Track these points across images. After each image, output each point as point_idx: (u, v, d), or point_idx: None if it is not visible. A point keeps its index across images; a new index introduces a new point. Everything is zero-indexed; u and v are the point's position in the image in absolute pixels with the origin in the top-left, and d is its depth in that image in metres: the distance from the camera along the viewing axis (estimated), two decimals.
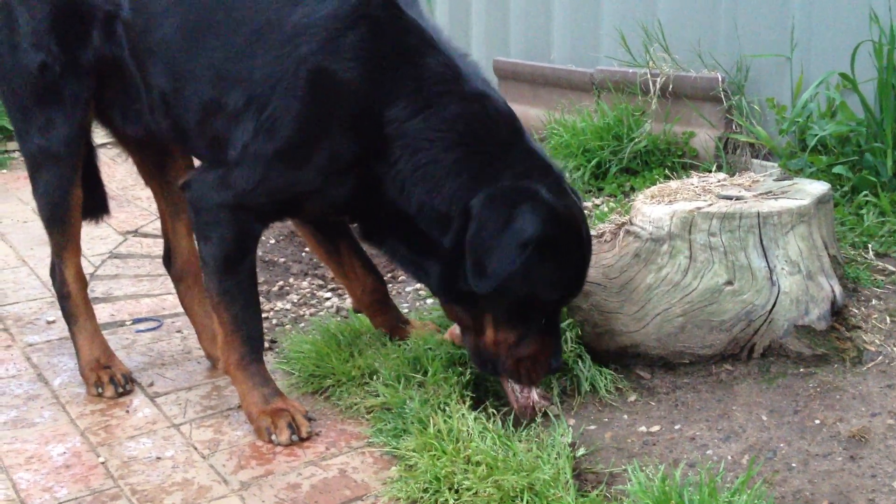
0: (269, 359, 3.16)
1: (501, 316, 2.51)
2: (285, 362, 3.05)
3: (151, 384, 3.04)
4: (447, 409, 2.60)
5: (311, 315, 3.55)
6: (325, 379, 2.93)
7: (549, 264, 2.41)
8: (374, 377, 2.84)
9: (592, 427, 2.68)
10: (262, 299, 3.74)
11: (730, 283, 2.67)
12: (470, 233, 2.40)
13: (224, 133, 2.55)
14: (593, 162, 4.53)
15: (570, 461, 2.40)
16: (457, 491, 2.29)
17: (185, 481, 2.50)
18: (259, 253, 4.06)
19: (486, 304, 2.49)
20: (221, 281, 2.68)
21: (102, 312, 3.59)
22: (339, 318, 3.33)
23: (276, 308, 3.65)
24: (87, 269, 4.04)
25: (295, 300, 3.71)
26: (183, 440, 2.70)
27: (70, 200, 2.85)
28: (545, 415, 2.64)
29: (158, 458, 2.61)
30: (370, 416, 2.75)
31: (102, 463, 2.59)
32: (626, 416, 2.70)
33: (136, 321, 3.54)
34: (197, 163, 2.93)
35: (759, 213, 2.66)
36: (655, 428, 2.63)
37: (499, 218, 2.37)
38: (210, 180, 2.59)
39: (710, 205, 2.74)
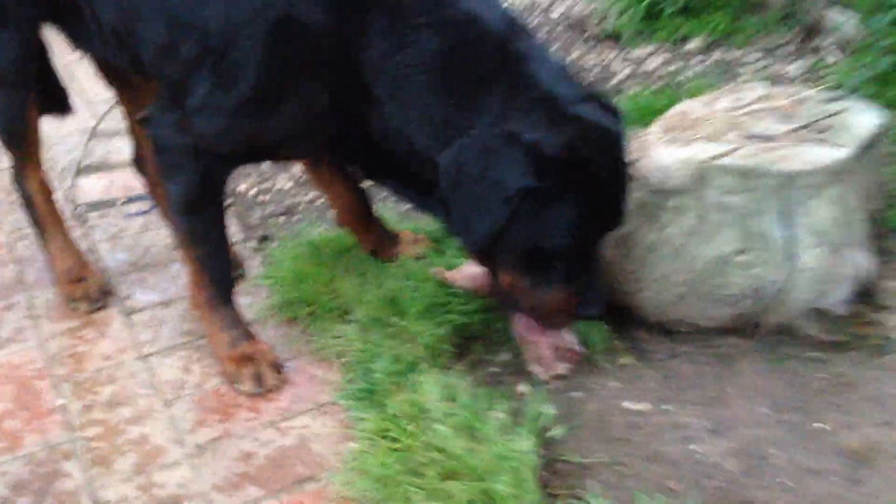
0: (258, 265, 2.97)
1: (511, 265, 2.27)
2: (268, 278, 2.86)
3: (128, 297, 2.90)
4: (417, 371, 2.42)
5: (307, 204, 3.31)
6: (303, 307, 2.74)
7: (547, 213, 2.12)
8: (351, 314, 2.64)
9: (577, 394, 2.46)
10: (262, 173, 3.51)
11: (741, 252, 2.33)
12: (444, 190, 2.13)
13: (182, 80, 2.27)
14: (645, 1, 4.00)
15: (537, 459, 2.21)
16: (408, 498, 2.14)
17: (141, 439, 2.40)
18: None
19: (493, 254, 2.26)
20: (187, 221, 2.49)
21: (96, 185, 3.42)
22: (325, 227, 3.08)
23: (276, 188, 3.41)
24: (89, 122, 3.83)
25: (298, 176, 3.46)
26: (147, 378, 2.59)
27: (24, 121, 2.67)
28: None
29: (118, 404, 2.51)
30: (342, 363, 2.58)
31: (62, 406, 2.50)
32: (614, 385, 2.47)
33: (129, 200, 3.35)
34: None
35: (785, 173, 2.27)
36: (642, 406, 2.40)
37: (472, 172, 2.10)
38: (172, 121, 2.35)
39: (733, 150, 2.35)
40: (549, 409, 2.35)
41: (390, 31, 2.14)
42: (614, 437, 2.32)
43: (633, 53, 3.94)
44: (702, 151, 2.36)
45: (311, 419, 2.44)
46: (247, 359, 2.54)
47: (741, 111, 2.53)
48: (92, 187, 3.41)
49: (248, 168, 3.49)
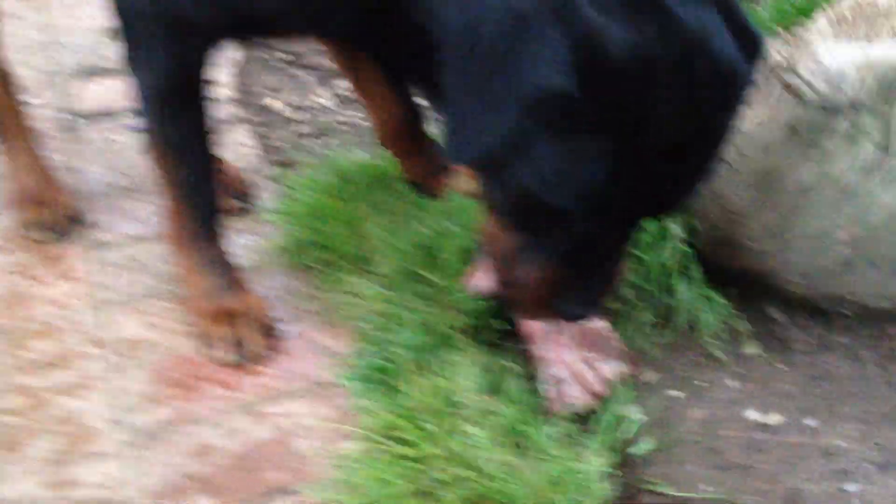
0: (272, 197, 2.29)
1: (500, 207, 1.48)
2: (279, 213, 2.18)
3: (101, 225, 2.24)
4: (450, 347, 1.71)
5: (349, 126, 2.61)
6: (318, 252, 2.05)
7: (573, 148, 1.28)
8: (375, 265, 1.95)
9: (677, 394, 1.73)
10: (298, 85, 2.82)
11: None
12: (445, 65, 1.33)
13: None
14: None
15: (610, 487, 1.49)
16: None
17: (67, 417, 1.76)
18: None
19: (484, 180, 1.47)
20: (161, 127, 1.86)
21: (97, 92, 2.78)
22: (362, 152, 2.37)
23: (314, 105, 2.71)
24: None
25: (342, 94, 2.75)
26: (97, 333, 1.94)
27: None
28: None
29: (52, 366, 1.86)
30: (355, 330, 1.88)
31: None
32: (734, 385, 1.73)
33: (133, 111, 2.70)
34: None
35: None
36: (774, 418, 1.66)
37: (489, 48, 1.27)
38: None
39: None
40: (636, 414, 1.63)
41: None
42: (729, 462, 1.60)
43: None
44: (893, 52, 1.57)
45: (301, 405, 1.77)
46: (228, 315, 1.88)
47: None
48: (92, 94, 2.78)
49: (281, 78, 2.82)
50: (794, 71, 1.64)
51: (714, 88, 1.28)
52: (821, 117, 1.60)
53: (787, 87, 1.65)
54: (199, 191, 1.90)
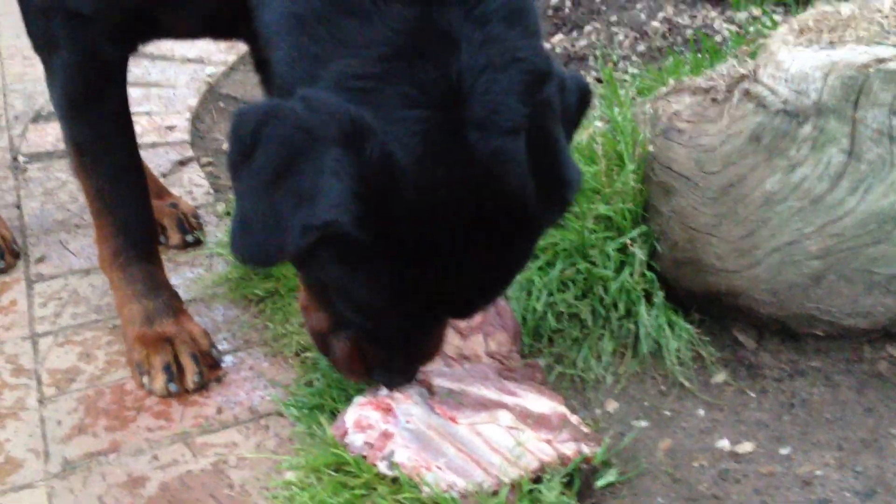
0: (221, 230, 2.20)
1: (307, 282, 1.53)
2: (225, 246, 2.08)
3: (42, 259, 2.14)
4: None
5: None
6: (265, 280, 1.95)
7: (348, 268, 1.32)
8: None
9: (642, 424, 1.62)
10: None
11: None
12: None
13: None
14: None
15: None
16: None
17: None
18: None
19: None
20: (73, 132, 1.79)
21: (50, 135, 2.70)
22: None
23: None
24: None
25: None
26: (29, 364, 1.82)
27: None
28: None
29: None
30: (301, 360, 1.78)
31: None
32: (701, 413, 1.63)
33: None
34: None
35: None
36: (746, 447, 1.55)
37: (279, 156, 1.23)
38: None
39: None
40: (597, 445, 1.52)
41: None
42: (700, 494, 1.49)
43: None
44: (857, 55, 1.52)
45: (242, 435, 1.65)
46: (164, 342, 1.76)
47: None
48: (44, 137, 2.70)
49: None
50: (755, 78, 1.58)
51: (495, 223, 1.25)
52: (785, 124, 1.53)
53: (748, 94, 1.58)
54: (124, 204, 1.80)
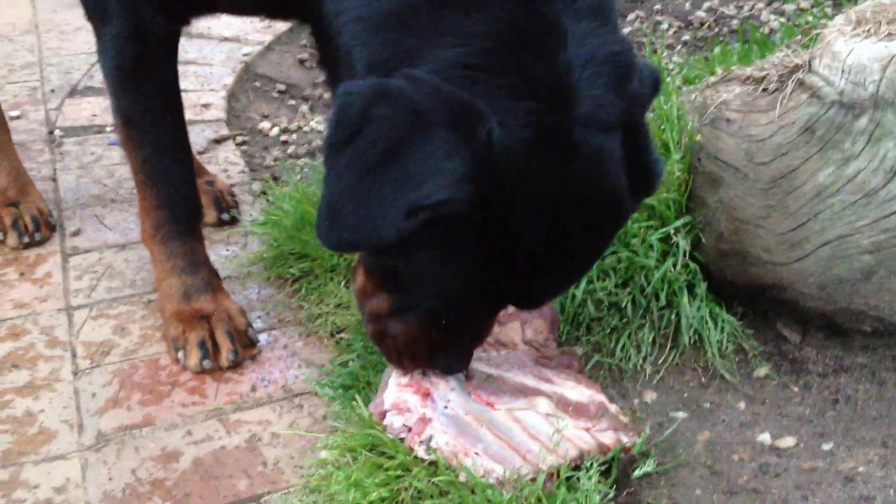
0: (256, 209, 2.19)
1: (370, 267, 1.47)
2: (262, 224, 2.07)
3: (77, 232, 2.14)
4: None
5: None
6: (300, 262, 1.94)
7: (441, 252, 1.31)
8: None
9: (681, 415, 1.59)
10: (293, 111, 2.74)
11: None
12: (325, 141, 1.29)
13: None
14: None
15: None
16: None
17: (24, 417, 1.64)
18: None
19: None
20: (122, 104, 1.77)
21: (85, 109, 2.69)
22: None
23: (305, 129, 2.62)
24: None
25: None
26: (64, 336, 1.82)
27: None
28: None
29: (13, 367, 1.74)
30: (336, 341, 1.76)
31: None
32: (742, 406, 1.61)
33: None
34: None
35: None
36: (788, 441, 1.53)
37: (369, 141, 1.22)
38: None
39: None
40: (636, 435, 1.49)
41: None
42: (739, 487, 1.46)
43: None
44: None
45: (276, 413, 1.64)
46: (200, 319, 1.75)
47: None
48: (80, 111, 2.70)
49: (275, 106, 2.74)
50: (810, 69, 1.55)
51: (592, 218, 1.29)
52: (840, 116, 1.50)
53: (802, 85, 1.55)
54: (168, 178, 1.79)
